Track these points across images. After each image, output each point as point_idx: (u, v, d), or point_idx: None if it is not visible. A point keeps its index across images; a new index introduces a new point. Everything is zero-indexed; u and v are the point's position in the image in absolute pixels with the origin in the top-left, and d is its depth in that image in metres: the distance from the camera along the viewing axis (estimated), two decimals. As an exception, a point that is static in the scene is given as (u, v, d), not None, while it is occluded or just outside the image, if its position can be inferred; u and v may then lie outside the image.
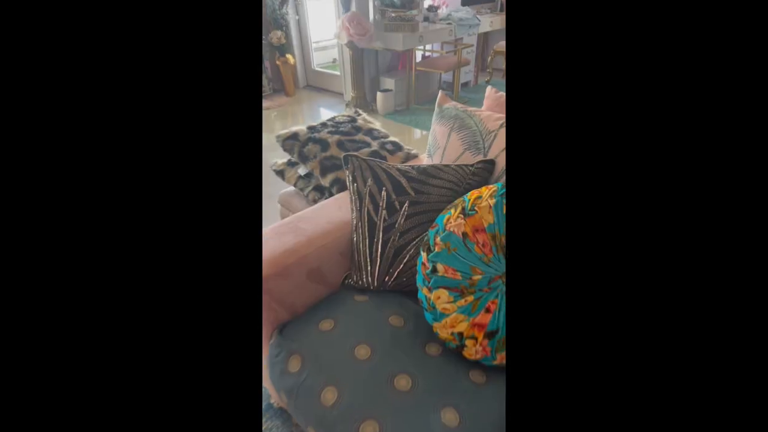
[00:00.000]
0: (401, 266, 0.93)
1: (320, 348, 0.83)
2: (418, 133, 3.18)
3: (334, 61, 4.45)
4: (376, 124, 1.44)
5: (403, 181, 0.93)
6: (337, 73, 3.97)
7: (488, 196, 0.79)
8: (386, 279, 0.95)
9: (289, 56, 3.92)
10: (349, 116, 1.43)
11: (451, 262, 0.79)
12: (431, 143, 1.11)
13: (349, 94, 3.66)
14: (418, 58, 3.68)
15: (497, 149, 0.95)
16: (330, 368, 0.79)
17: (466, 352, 0.80)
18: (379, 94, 3.50)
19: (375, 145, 1.31)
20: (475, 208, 0.79)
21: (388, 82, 3.56)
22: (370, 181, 0.95)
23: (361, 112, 1.49)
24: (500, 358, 0.77)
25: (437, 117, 1.09)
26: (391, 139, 1.38)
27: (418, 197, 0.92)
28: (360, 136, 1.33)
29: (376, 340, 0.83)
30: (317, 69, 4.30)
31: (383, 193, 0.93)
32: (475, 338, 0.78)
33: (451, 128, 1.04)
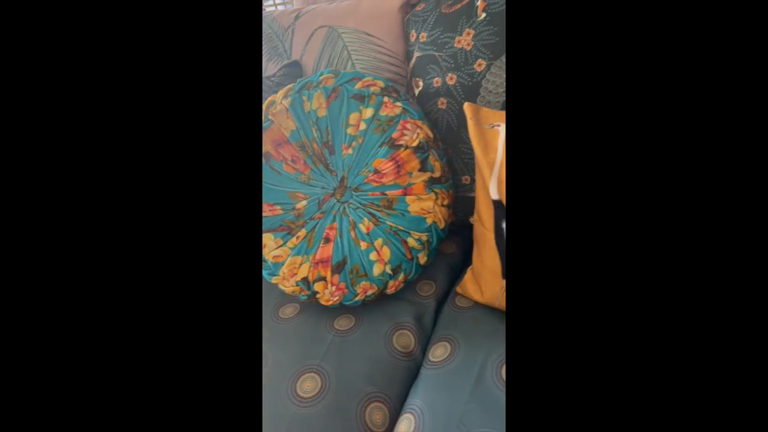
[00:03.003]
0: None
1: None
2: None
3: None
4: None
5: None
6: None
7: (281, 98, 0.60)
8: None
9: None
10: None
11: (263, 195, 0.60)
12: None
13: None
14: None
15: (299, 47, 0.75)
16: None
17: (322, 299, 0.63)
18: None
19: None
20: (269, 117, 0.59)
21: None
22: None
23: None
24: (362, 291, 0.61)
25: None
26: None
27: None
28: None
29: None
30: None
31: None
32: (324, 278, 0.61)
33: (244, 41, 0.82)
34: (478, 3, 0.63)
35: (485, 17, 0.61)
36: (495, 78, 0.61)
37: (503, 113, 0.57)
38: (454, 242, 0.75)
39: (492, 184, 0.53)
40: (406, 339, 0.59)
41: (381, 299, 0.64)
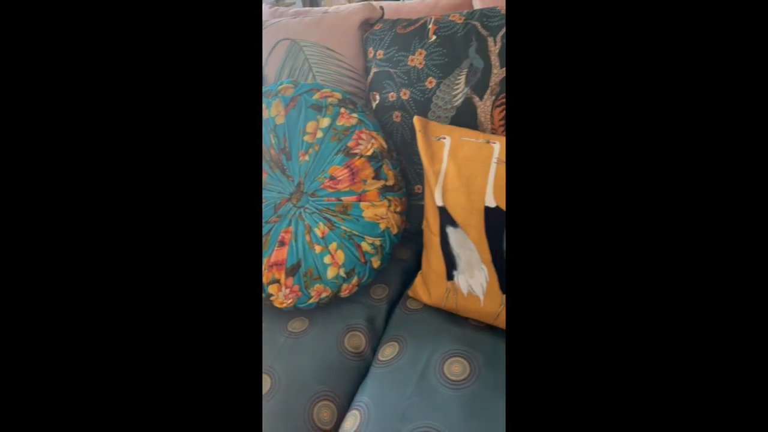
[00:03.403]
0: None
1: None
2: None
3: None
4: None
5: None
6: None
7: (241, 104, 0.62)
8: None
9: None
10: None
11: (218, 198, 0.61)
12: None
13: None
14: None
15: (262, 57, 0.78)
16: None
17: (276, 302, 0.64)
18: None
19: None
20: (228, 123, 0.61)
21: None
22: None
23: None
24: (315, 294, 0.63)
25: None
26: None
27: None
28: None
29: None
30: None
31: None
32: (278, 281, 0.62)
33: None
34: (430, 26, 0.68)
35: (435, 39, 0.67)
36: (444, 95, 0.66)
37: (450, 127, 0.61)
38: (409, 248, 0.78)
39: (437, 191, 0.57)
40: (357, 340, 0.61)
41: (335, 302, 0.66)
